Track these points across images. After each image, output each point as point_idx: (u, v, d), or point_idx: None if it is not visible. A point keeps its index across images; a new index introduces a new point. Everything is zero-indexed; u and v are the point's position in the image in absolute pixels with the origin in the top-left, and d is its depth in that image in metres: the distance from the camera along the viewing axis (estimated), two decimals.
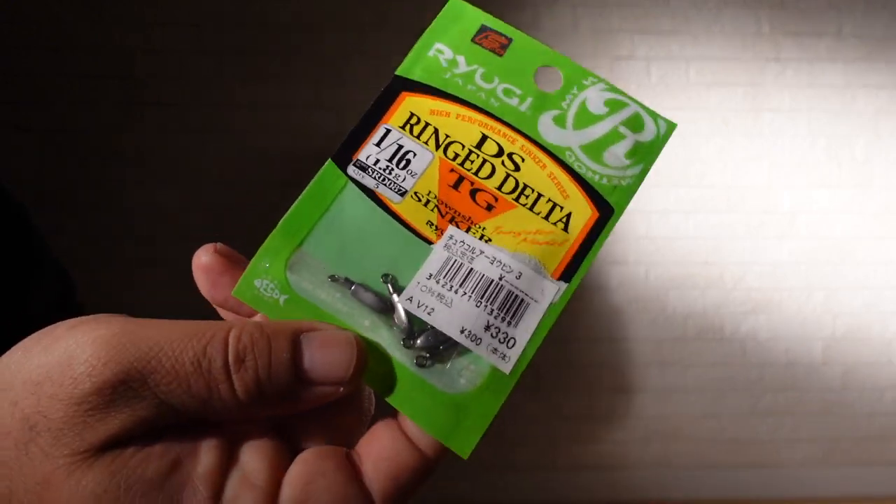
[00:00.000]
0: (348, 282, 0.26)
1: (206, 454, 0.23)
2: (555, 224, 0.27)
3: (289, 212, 0.27)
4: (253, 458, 0.23)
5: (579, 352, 1.90)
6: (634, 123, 0.29)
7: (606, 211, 0.28)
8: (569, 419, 1.91)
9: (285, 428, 0.25)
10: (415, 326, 0.25)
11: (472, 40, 0.30)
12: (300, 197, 0.27)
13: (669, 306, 1.90)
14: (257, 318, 0.26)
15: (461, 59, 0.30)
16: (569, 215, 0.28)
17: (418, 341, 0.25)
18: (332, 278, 0.26)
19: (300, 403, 0.24)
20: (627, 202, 0.28)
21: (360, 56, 1.81)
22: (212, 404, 0.22)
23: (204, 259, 0.26)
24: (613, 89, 0.30)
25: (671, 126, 0.30)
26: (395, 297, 0.26)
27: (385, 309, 0.25)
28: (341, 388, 0.23)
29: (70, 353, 0.21)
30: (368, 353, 0.25)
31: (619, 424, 1.92)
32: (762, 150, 1.91)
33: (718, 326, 1.91)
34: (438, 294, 0.26)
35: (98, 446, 0.21)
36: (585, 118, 0.29)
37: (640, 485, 1.91)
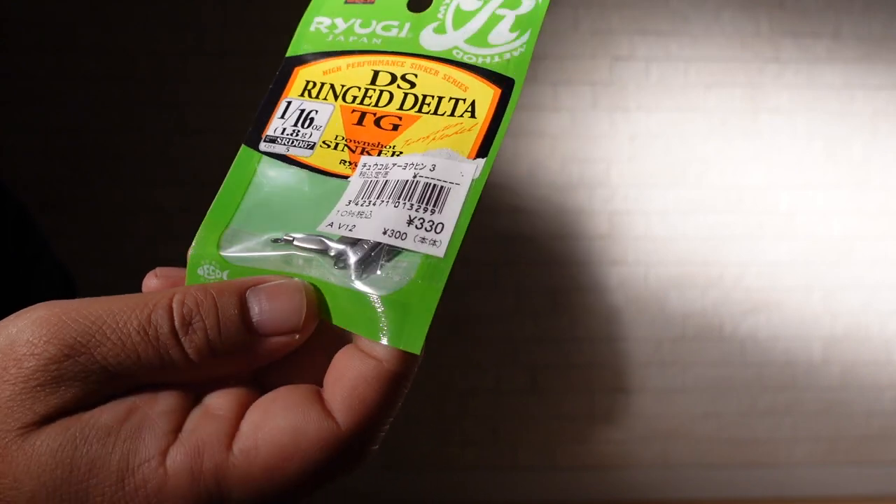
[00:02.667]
0: (289, 237, 0.26)
1: (165, 398, 0.23)
2: (461, 116, 0.28)
3: (213, 202, 0.28)
4: (218, 397, 0.23)
5: (579, 352, 1.90)
6: (511, 3, 0.30)
7: (508, 84, 0.29)
8: (569, 419, 1.91)
9: (258, 380, 0.25)
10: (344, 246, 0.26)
11: (346, 2, 0.32)
12: (221, 187, 0.28)
13: (669, 306, 1.91)
14: None
15: (339, 20, 0.32)
16: (473, 103, 0.28)
17: (350, 259, 0.25)
18: (276, 241, 0.26)
19: (256, 358, 0.24)
20: (525, 69, 0.29)
21: None
22: (164, 370, 0.22)
23: (151, 283, 0.26)
24: None
25: None
26: (298, 235, 0.26)
27: (329, 249, 0.26)
28: (296, 336, 0.24)
29: (11, 337, 0.22)
30: (316, 296, 0.24)
31: (619, 424, 1.92)
32: (761, 150, 1.91)
33: (717, 326, 1.91)
34: (358, 212, 0.26)
35: (49, 415, 0.21)
36: (463, 17, 0.30)
37: (640, 485, 1.91)
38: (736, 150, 1.91)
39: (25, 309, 0.23)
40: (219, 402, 0.23)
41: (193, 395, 0.23)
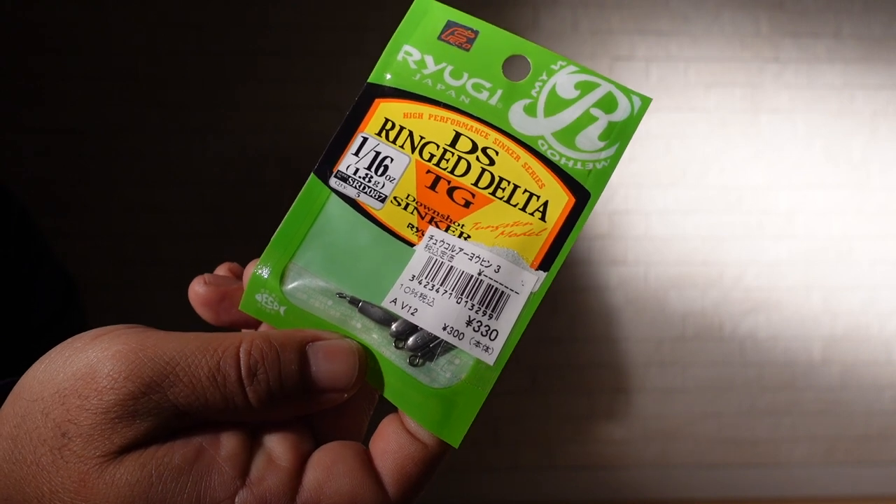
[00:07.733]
0: (355, 300, 0.27)
1: (228, 440, 0.25)
2: (532, 214, 0.28)
3: (279, 228, 0.28)
4: (277, 442, 0.25)
5: (579, 352, 1.90)
6: (607, 104, 0.29)
7: (583, 196, 0.28)
8: (569, 419, 1.91)
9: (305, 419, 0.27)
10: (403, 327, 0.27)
11: (439, 38, 0.30)
12: (288, 213, 0.28)
13: (668, 306, 1.91)
14: (262, 327, 0.28)
15: (429, 58, 0.30)
16: (546, 204, 0.28)
17: (408, 342, 0.26)
18: (340, 295, 0.27)
19: (310, 407, 0.26)
20: (604, 185, 0.28)
21: (359, 56, 1.81)
22: (227, 412, 0.24)
23: (199, 290, 0.28)
24: (584, 70, 0.30)
25: (646, 101, 0.29)
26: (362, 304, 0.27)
27: (390, 321, 0.27)
28: (345, 395, 0.26)
29: (92, 366, 0.23)
30: (368, 358, 0.27)
31: (618, 424, 1.92)
32: (761, 150, 1.91)
33: (717, 326, 1.91)
34: (421, 294, 0.27)
35: (126, 446, 0.23)
36: (556, 104, 0.29)
37: (640, 485, 1.91)
38: (736, 150, 1.91)
39: (97, 334, 0.25)
40: (279, 449, 0.25)
41: (251, 435, 0.25)
